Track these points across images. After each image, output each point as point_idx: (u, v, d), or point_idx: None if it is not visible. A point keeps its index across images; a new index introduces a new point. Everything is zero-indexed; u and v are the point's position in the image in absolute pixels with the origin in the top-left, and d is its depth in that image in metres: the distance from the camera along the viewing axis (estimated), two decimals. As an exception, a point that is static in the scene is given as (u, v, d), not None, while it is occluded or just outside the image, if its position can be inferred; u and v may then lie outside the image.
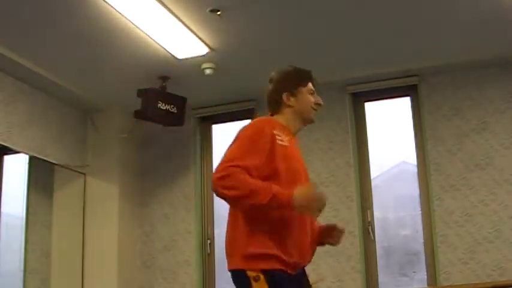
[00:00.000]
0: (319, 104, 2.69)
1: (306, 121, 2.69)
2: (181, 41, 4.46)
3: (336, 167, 5.35)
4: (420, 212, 5.21)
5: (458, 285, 4.77)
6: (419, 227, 5.20)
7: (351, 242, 5.14)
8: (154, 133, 5.82)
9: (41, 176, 5.59)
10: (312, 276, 4.22)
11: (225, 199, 2.29)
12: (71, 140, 5.59)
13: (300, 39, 4.59)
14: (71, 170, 5.56)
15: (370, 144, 5.49)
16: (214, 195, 2.33)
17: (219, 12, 4.06)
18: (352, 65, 5.09)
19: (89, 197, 5.64)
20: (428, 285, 5.04)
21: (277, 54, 4.79)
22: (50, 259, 5.43)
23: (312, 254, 2.63)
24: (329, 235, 2.73)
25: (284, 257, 2.35)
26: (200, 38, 4.43)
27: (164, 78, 5.10)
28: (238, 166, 2.26)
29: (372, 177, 5.45)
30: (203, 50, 4.59)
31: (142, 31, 4.28)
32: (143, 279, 5.73)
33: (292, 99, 2.62)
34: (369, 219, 5.29)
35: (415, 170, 5.31)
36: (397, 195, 5.68)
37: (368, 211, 5.31)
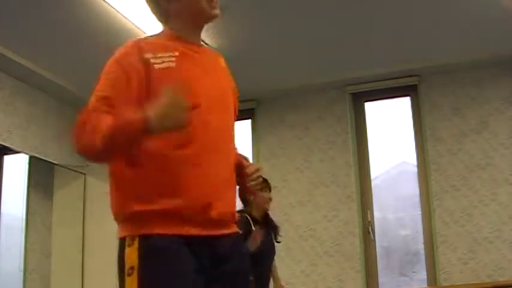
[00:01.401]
0: None
1: (205, 20, 1.95)
2: (181, 41, 4.45)
3: (336, 167, 5.35)
4: (420, 212, 5.21)
5: (458, 285, 4.77)
6: (419, 227, 5.20)
7: (351, 242, 5.14)
8: (154, 133, 5.82)
9: (41, 176, 5.58)
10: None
11: (77, 149, 1.79)
12: (71, 140, 5.58)
13: (300, 39, 4.58)
14: (71, 170, 5.56)
15: (370, 144, 5.49)
16: None
17: (219, 12, 4.06)
18: (352, 65, 5.09)
19: (89, 197, 5.64)
20: (428, 285, 5.04)
21: (277, 54, 4.79)
22: (50, 259, 5.43)
23: (234, 201, 1.88)
24: (241, 180, 1.93)
25: (177, 210, 1.69)
26: (200, 38, 4.42)
27: (164, 78, 5.09)
28: (99, 100, 1.78)
29: (372, 177, 5.45)
30: (203, 50, 4.59)
31: (143, 31, 4.28)
32: (143, 279, 5.72)
33: (174, 1, 1.92)
34: (369, 219, 5.29)
35: (415, 170, 5.31)
36: (397, 195, 5.68)
37: (368, 211, 5.31)
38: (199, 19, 1.94)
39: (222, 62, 2.05)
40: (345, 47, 4.77)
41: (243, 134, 5.92)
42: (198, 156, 1.73)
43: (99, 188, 5.64)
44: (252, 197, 3.75)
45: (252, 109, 5.66)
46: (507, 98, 5.05)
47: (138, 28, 4.23)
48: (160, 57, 1.81)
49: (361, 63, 5.05)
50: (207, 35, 4.41)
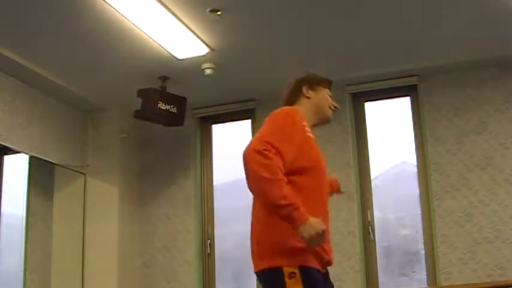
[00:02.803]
0: (336, 107, 2.74)
1: (322, 118, 2.71)
2: (181, 41, 4.46)
3: (336, 167, 5.35)
4: (420, 212, 5.21)
5: (458, 285, 4.78)
6: (419, 227, 5.20)
7: (351, 242, 5.14)
8: (154, 133, 5.83)
9: (41, 176, 5.58)
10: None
11: (249, 173, 2.19)
12: (71, 140, 5.59)
13: (299, 39, 4.59)
14: (71, 170, 5.56)
15: (370, 144, 5.49)
16: (244, 164, 2.23)
17: (219, 12, 4.06)
18: (352, 65, 5.09)
19: (89, 197, 5.64)
20: (428, 285, 5.04)
21: (277, 54, 4.79)
22: (50, 259, 5.43)
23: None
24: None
25: (322, 253, 2.29)
26: (200, 38, 4.43)
27: (164, 78, 5.10)
28: (273, 146, 2.21)
29: (372, 177, 5.45)
30: (203, 50, 4.59)
31: (143, 31, 4.28)
32: (143, 279, 5.73)
33: (311, 92, 2.68)
34: (369, 219, 5.29)
35: (415, 170, 5.31)
36: (397, 195, 5.68)
37: (368, 211, 5.31)
38: (319, 113, 2.70)
39: None
40: (345, 47, 4.77)
41: (243, 134, 5.93)
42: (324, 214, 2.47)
43: (99, 188, 5.65)
44: None
45: (252, 109, 5.67)
46: (507, 98, 5.05)
47: (138, 28, 4.23)
48: (307, 127, 2.49)
49: (361, 63, 5.06)
50: (207, 35, 4.42)
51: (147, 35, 4.34)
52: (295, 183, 2.28)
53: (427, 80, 5.27)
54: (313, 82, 2.72)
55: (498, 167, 4.95)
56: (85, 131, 5.78)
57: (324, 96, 2.70)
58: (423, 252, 5.17)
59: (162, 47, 4.53)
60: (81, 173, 5.64)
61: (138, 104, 4.99)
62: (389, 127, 5.62)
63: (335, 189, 2.95)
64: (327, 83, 2.77)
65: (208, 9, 4.04)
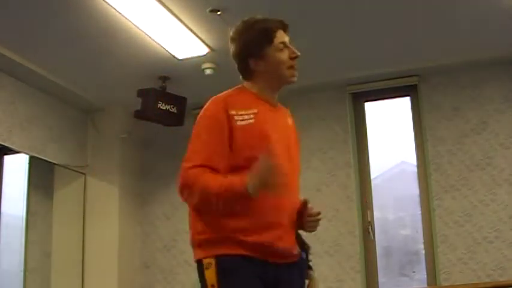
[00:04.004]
0: (294, 58, 2.32)
1: (283, 82, 2.30)
2: (181, 41, 4.46)
3: (336, 167, 5.35)
4: (420, 212, 5.21)
5: (458, 285, 4.77)
6: (419, 227, 5.20)
7: (351, 242, 5.14)
8: (154, 133, 5.83)
9: (41, 176, 5.59)
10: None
11: (192, 206, 2.18)
12: (71, 140, 5.59)
13: (299, 39, 4.57)
14: (71, 170, 5.56)
15: (370, 144, 5.49)
16: None
17: (219, 12, 4.06)
18: (352, 65, 5.09)
19: (89, 197, 5.64)
20: (428, 285, 5.04)
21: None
22: (50, 259, 5.44)
23: (294, 236, 2.26)
24: (302, 219, 2.28)
25: (242, 237, 2.06)
26: (200, 38, 4.43)
27: (164, 78, 5.10)
28: (196, 166, 2.07)
29: (372, 177, 5.45)
30: (203, 50, 4.59)
31: (142, 31, 4.28)
32: (143, 279, 5.73)
33: (261, 63, 2.24)
34: (369, 219, 5.29)
35: (415, 170, 5.31)
36: (397, 195, 5.68)
37: (368, 211, 5.31)
38: (278, 83, 2.28)
39: (290, 120, 2.41)
40: (345, 47, 4.77)
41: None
42: (268, 199, 2.07)
43: (99, 188, 5.65)
44: None
45: (252, 109, 5.66)
46: (507, 98, 5.05)
47: (138, 28, 4.23)
48: (241, 114, 2.14)
49: (361, 63, 5.06)
50: (207, 35, 4.42)
51: (147, 35, 4.34)
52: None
53: (427, 80, 5.27)
54: (258, 47, 2.24)
55: (498, 167, 4.95)
56: (85, 131, 5.78)
57: (276, 60, 2.24)
58: (423, 252, 5.17)
59: (162, 47, 4.53)
60: (81, 173, 5.64)
61: (138, 104, 4.99)
62: (389, 127, 5.62)
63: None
64: (272, 31, 2.31)
65: (208, 9, 4.04)
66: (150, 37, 4.37)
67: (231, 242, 2.05)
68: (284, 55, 2.28)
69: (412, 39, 4.65)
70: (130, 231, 5.68)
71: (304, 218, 2.26)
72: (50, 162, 5.33)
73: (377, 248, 5.27)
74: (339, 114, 5.46)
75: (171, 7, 3.98)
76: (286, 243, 2.16)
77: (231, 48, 2.33)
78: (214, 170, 2.06)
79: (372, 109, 5.60)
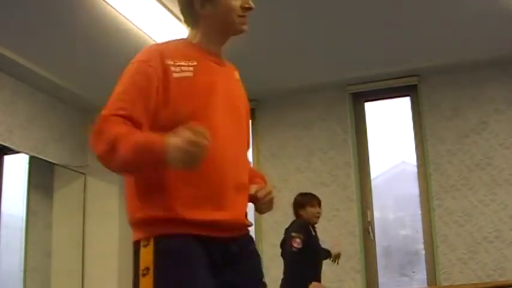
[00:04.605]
0: (247, 8, 1.98)
1: (233, 32, 2.00)
2: (181, 41, 4.45)
3: (336, 167, 5.35)
4: (420, 212, 5.21)
5: (458, 285, 4.77)
6: (419, 227, 5.20)
7: (351, 242, 5.14)
8: (154, 133, 5.82)
9: (41, 176, 5.59)
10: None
11: (99, 159, 1.71)
12: (71, 140, 5.59)
13: (299, 39, 4.58)
14: (71, 170, 5.56)
15: (370, 144, 5.49)
16: None
17: (219, 12, 4.06)
18: (352, 65, 5.09)
19: (89, 197, 5.64)
20: (428, 285, 5.04)
21: (277, 54, 4.79)
22: (50, 259, 5.44)
23: (244, 206, 1.90)
24: (256, 205, 1.97)
25: (183, 214, 1.72)
26: (200, 38, 4.42)
27: (164, 78, 5.09)
28: (116, 115, 1.72)
29: (372, 177, 5.45)
30: (203, 50, 4.59)
31: (143, 31, 4.28)
32: (143, 279, 5.72)
33: (208, 6, 1.92)
34: (369, 219, 5.29)
35: (415, 170, 5.31)
36: (397, 195, 5.68)
37: (368, 211, 5.31)
38: (227, 30, 1.97)
39: (236, 74, 2.08)
40: (345, 47, 4.77)
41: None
42: (206, 163, 1.65)
43: (99, 188, 5.65)
44: (302, 211, 4.23)
45: (252, 109, 5.66)
46: (507, 98, 5.05)
47: (138, 28, 4.23)
48: (179, 65, 1.82)
49: (361, 63, 5.05)
50: (207, 35, 4.41)
51: (147, 35, 4.34)
52: None
53: (427, 80, 5.27)
54: None
55: (498, 167, 4.95)
56: (85, 131, 5.78)
57: (226, 4, 1.91)
58: (423, 252, 5.17)
59: (162, 47, 4.52)
60: (81, 172, 5.64)
61: (138, 104, 4.98)
62: (389, 127, 5.62)
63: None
64: None
65: (208, 9, 4.03)
66: (150, 37, 4.37)
67: (171, 220, 1.72)
68: (236, 2, 1.94)
69: (412, 39, 4.65)
70: (130, 231, 5.66)
71: (258, 205, 1.95)
72: (50, 162, 5.33)
73: (377, 248, 5.27)
74: (339, 114, 5.46)
75: (171, 7, 3.98)
76: (235, 213, 1.82)
77: None
78: (136, 124, 1.71)
79: (372, 109, 5.60)
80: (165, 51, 1.86)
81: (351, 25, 4.41)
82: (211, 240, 1.75)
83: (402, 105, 5.49)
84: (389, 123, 5.64)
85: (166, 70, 1.78)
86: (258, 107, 5.62)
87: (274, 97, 5.55)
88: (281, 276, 4.05)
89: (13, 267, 5.31)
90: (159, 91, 1.76)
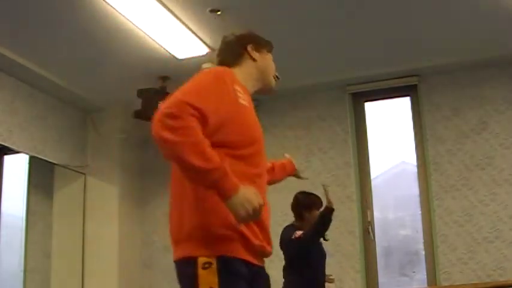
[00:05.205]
0: (277, 77, 2.31)
1: (266, 87, 2.23)
2: (181, 41, 4.46)
3: (336, 167, 5.35)
4: (420, 212, 5.21)
5: (458, 285, 4.78)
6: (419, 227, 5.20)
7: (351, 242, 5.14)
8: (155, 133, 5.82)
9: (41, 176, 5.59)
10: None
11: (160, 143, 1.78)
12: (71, 140, 5.59)
13: (300, 39, 4.58)
14: (71, 170, 5.56)
15: (370, 144, 5.49)
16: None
17: (219, 12, 4.06)
18: (352, 65, 5.09)
19: (89, 197, 5.64)
20: (428, 285, 5.04)
21: (277, 54, 4.78)
22: (50, 259, 5.44)
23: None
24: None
25: (253, 240, 1.85)
26: (200, 38, 4.43)
27: (164, 78, 5.10)
28: (193, 107, 1.75)
29: (372, 177, 5.45)
30: (203, 50, 4.59)
31: (142, 31, 4.28)
32: (143, 279, 5.73)
33: (257, 53, 2.19)
34: (369, 219, 5.29)
35: (415, 170, 5.31)
36: (397, 195, 5.68)
37: (368, 211, 5.31)
38: (261, 80, 2.20)
39: None
40: (345, 47, 4.77)
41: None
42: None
43: (99, 188, 5.65)
44: (307, 213, 3.99)
45: (252, 109, 5.67)
46: (507, 98, 5.05)
47: (139, 28, 4.23)
48: (241, 93, 1.98)
49: (361, 63, 5.06)
50: (207, 35, 4.42)
51: (147, 35, 4.34)
52: (223, 155, 1.83)
53: (427, 80, 5.27)
54: (259, 42, 2.25)
55: (498, 167, 4.95)
56: (85, 131, 5.78)
57: (270, 62, 2.26)
58: (423, 252, 5.17)
59: (162, 47, 4.53)
60: (81, 173, 5.64)
61: (138, 104, 4.99)
62: (389, 127, 5.62)
63: (290, 171, 2.75)
64: (271, 47, 2.32)
65: (208, 9, 4.04)
66: (150, 37, 4.37)
67: (237, 241, 1.83)
68: (274, 68, 2.29)
69: (412, 39, 4.65)
70: (130, 231, 5.68)
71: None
72: (50, 162, 5.33)
73: (377, 248, 5.27)
74: (339, 114, 5.46)
75: (171, 7, 3.99)
76: (270, 245, 2.00)
77: (226, 39, 2.28)
78: (203, 121, 1.78)
79: (372, 109, 5.60)
80: (233, 77, 2.01)
81: (351, 25, 4.41)
82: (252, 266, 1.90)
83: (402, 105, 5.49)
84: (389, 123, 5.64)
85: (235, 92, 1.94)
86: (258, 107, 5.60)
87: (274, 97, 5.54)
88: (280, 276, 4.03)
89: (13, 267, 5.31)
90: (227, 108, 1.88)
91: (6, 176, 5.24)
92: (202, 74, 1.96)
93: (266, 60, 2.22)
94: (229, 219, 1.79)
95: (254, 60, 2.17)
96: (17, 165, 5.42)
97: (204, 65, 4.86)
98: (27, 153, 5.18)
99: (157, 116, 1.77)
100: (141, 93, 4.98)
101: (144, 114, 5.03)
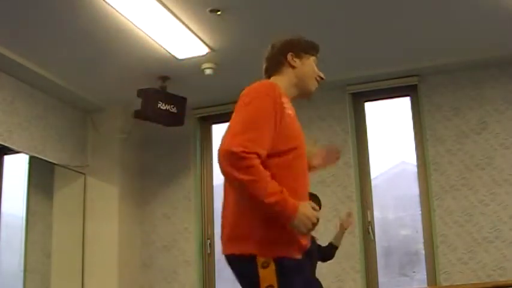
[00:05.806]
0: (322, 78, 2.41)
1: (305, 92, 2.36)
2: (181, 41, 4.46)
3: (336, 167, 5.34)
4: (420, 212, 5.21)
5: (458, 285, 4.78)
6: (419, 227, 5.20)
7: (351, 242, 5.14)
8: (154, 133, 5.82)
9: (41, 176, 5.59)
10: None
11: (231, 180, 1.99)
12: (71, 140, 5.59)
13: (300, 39, 4.58)
14: (71, 170, 5.56)
15: (370, 144, 5.49)
16: (222, 175, 2.04)
17: (219, 12, 4.06)
18: (352, 65, 5.09)
19: (89, 197, 5.64)
20: (428, 285, 5.04)
21: (277, 54, 4.79)
22: (50, 259, 5.44)
23: None
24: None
25: (301, 241, 2.08)
26: (200, 38, 4.43)
27: (164, 78, 5.10)
28: (257, 154, 1.97)
29: (372, 177, 5.45)
30: (203, 50, 4.59)
31: (142, 31, 4.28)
32: (143, 279, 5.73)
33: (297, 60, 2.34)
34: (369, 219, 5.29)
35: (415, 170, 5.31)
36: (397, 195, 5.68)
37: (368, 211, 5.31)
38: (302, 87, 2.34)
39: None
40: (345, 47, 4.77)
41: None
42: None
43: (99, 188, 5.65)
44: None
45: (252, 109, 5.67)
46: (507, 98, 5.05)
47: (139, 28, 4.23)
48: (287, 103, 2.16)
49: (361, 63, 5.06)
50: (207, 35, 4.42)
51: (147, 35, 4.34)
52: (274, 166, 2.05)
53: (427, 80, 5.27)
54: (300, 48, 2.39)
55: (498, 167, 4.95)
56: (85, 131, 5.78)
57: (310, 67, 2.37)
58: (423, 252, 5.17)
59: (162, 47, 4.53)
60: (81, 173, 5.64)
61: (138, 104, 4.99)
62: (389, 127, 5.62)
63: (329, 161, 2.87)
64: (315, 50, 2.45)
65: (208, 9, 4.04)
66: (150, 37, 4.37)
67: (292, 243, 2.05)
68: (316, 70, 2.39)
69: (412, 39, 4.65)
70: (130, 231, 5.68)
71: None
72: (50, 162, 5.33)
73: (377, 248, 5.27)
74: (339, 114, 5.46)
75: (171, 7, 3.98)
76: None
77: (271, 50, 2.43)
78: (263, 157, 2.01)
79: (372, 109, 5.60)
80: (278, 89, 2.14)
81: (351, 25, 4.41)
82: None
83: (402, 105, 5.50)
84: (389, 123, 5.64)
85: (282, 105, 2.11)
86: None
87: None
88: None
89: (13, 267, 5.31)
90: (277, 123, 2.08)
91: (6, 176, 5.24)
92: (249, 98, 2.10)
93: (306, 66, 2.34)
94: (286, 225, 2.00)
95: (294, 67, 2.32)
96: (17, 165, 5.42)
97: (204, 65, 4.88)
98: (27, 153, 5.19)
99: (221, 153, 1.99)
100: (141, 93, 4.98)
101: (144, 114, 5.03)
